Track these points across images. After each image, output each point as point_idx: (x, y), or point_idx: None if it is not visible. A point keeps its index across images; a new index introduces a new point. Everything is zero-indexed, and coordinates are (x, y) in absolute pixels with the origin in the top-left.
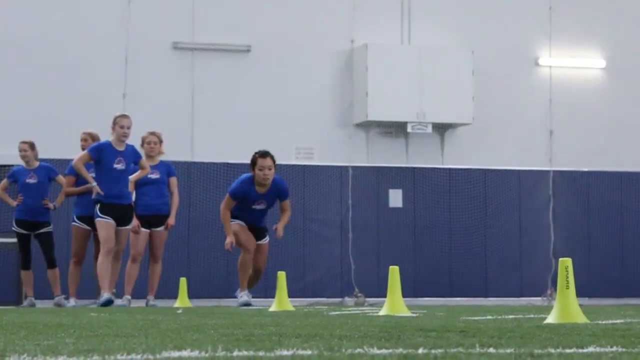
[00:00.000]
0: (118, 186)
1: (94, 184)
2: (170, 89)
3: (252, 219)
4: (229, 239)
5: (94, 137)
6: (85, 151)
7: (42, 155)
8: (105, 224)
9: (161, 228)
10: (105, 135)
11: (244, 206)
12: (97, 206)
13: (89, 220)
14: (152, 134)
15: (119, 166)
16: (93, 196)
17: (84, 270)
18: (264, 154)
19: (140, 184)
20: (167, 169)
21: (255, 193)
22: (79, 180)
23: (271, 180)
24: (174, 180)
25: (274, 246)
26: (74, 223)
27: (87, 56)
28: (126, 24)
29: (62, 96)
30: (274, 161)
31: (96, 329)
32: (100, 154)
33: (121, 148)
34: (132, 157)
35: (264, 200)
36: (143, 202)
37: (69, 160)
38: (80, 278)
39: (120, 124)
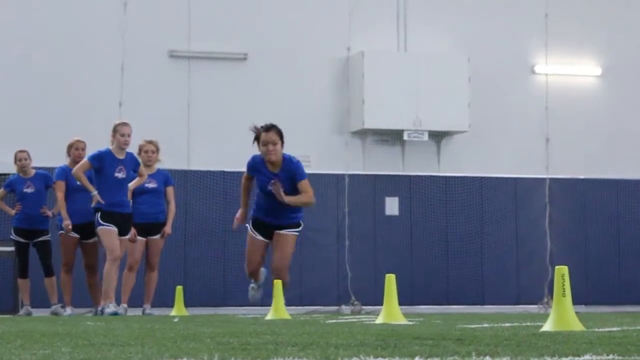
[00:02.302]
0: (119, 195)
1: (95, 192)
2: (166, 97)
3: (272, 211)
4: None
5: (84, 147)
6: (86, 159)
7: (38, 163)
8: (108, 232)
9: (157, 236)
10: (102, 143)
11: (262, 188)
12: (98, 214)
13: (77, 228)
14: (150, 142)
15: (120, 175)
16: (93, 204)
17: (79, 279)
18: (268, 128)
19: (137, 193)
20: (165, 178)
21: (267, 170)
22: (70, 184)
23: (279, 157)
24: (171, 190)
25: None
26: (62, 232)
27: (83, 64)
28: (122, 32)
29: (58, 104)
30: (280, 136)
31: (92, 338)
32: (101, 163)
33: (121, 156)
34: (132, 165)
35: (279, 180)
36: (140, 211)
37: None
38: (72, 285)
39: (121, 132)
